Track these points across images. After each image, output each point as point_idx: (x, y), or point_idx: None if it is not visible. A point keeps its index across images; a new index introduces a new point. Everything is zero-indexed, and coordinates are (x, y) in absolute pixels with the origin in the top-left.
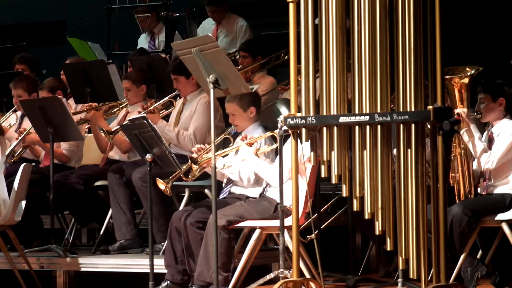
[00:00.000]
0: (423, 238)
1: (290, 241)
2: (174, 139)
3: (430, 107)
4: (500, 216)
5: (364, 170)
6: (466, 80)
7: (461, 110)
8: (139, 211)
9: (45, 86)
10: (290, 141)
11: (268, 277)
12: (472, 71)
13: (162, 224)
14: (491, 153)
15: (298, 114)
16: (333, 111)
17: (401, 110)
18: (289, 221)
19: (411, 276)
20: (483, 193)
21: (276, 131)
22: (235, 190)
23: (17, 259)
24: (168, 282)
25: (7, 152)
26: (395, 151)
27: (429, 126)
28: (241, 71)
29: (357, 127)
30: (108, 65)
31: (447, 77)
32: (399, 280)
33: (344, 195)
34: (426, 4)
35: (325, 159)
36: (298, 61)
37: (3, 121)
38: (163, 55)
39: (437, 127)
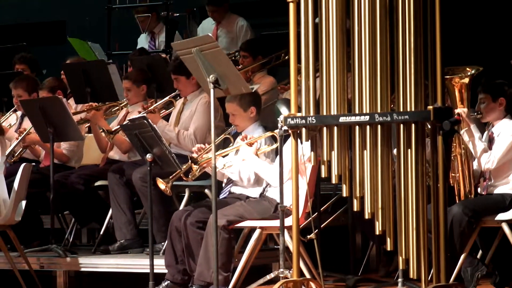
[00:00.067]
0: (423, 238)
1: (290, 241)
2: (174, 139)
3: (430, 107)
4: (500, 216)
5: (364, 170)
6: (466, 80)
7: (461, 110)
8: (139, 211)
9: (45, 86)
10: (290, 141)
11: (268, 277)
12: (472, 71)
13: (162, 224)
14: (491, 153)
15: (298, 114)
16: (333, 111)
17: (401, 110)
18: (289, 221)
19: (411, 276)
20: (483, 193)
21: (276, 131)
22: (235, 190)
23: (17, 259)
24: (168, 282)
25: (7, 152)
26: (395, 151)
27: (429, 126)
28: (241, 71)
29: (357, 127)
30: (108, 65)
31: (447, 77)
32: (399, 280)
33: (344, 195)
34: (426, 4)
35: (325, 159)
36: (298, 61)
37: (3, 121)
38: (163, 55)
39: (437, 127)
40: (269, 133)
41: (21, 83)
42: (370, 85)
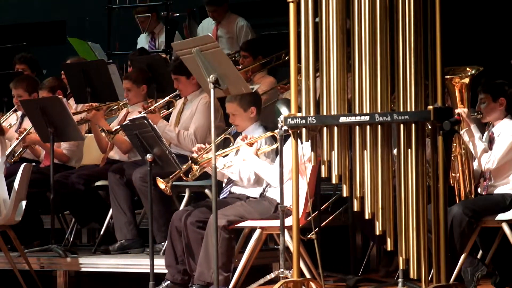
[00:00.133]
0: (424, 238)
1: (290, 241)
2: (174, 139)
3: (430, 107)
4: (501, 216)
5: (365, 170)
6: (466, 80)
7: (461, 110)
8: (139, 211)
9: (45, 86)
10: (291, 141)
11: (268, 277)
12: (473, 71)
13: (162, 224)
14: (491, 153)
15: (299, 114)
16: (333, 111)
17: (402, 110)
18: (289, 221)
19: (411, 276)
20: (483, 193)
21: (277, 131)
22: (236, 190)
23: (17, 259)
24: (169, 282)
25: (7, 152)
26: (395, 151)
27: (429, 126)
28: (242, 71)
29: (357, 127)
30: (108, 65)
31: (448, 77)
32: (400, 280)
33: (344, 195)
34: (426, 4)
35: (325, 159)
36: (299, 61)
37: (3, 121)
38: (164, 55)
39: (437, 127)
40: (269, 133)
41: (21, 83)
42: (370, 85)
